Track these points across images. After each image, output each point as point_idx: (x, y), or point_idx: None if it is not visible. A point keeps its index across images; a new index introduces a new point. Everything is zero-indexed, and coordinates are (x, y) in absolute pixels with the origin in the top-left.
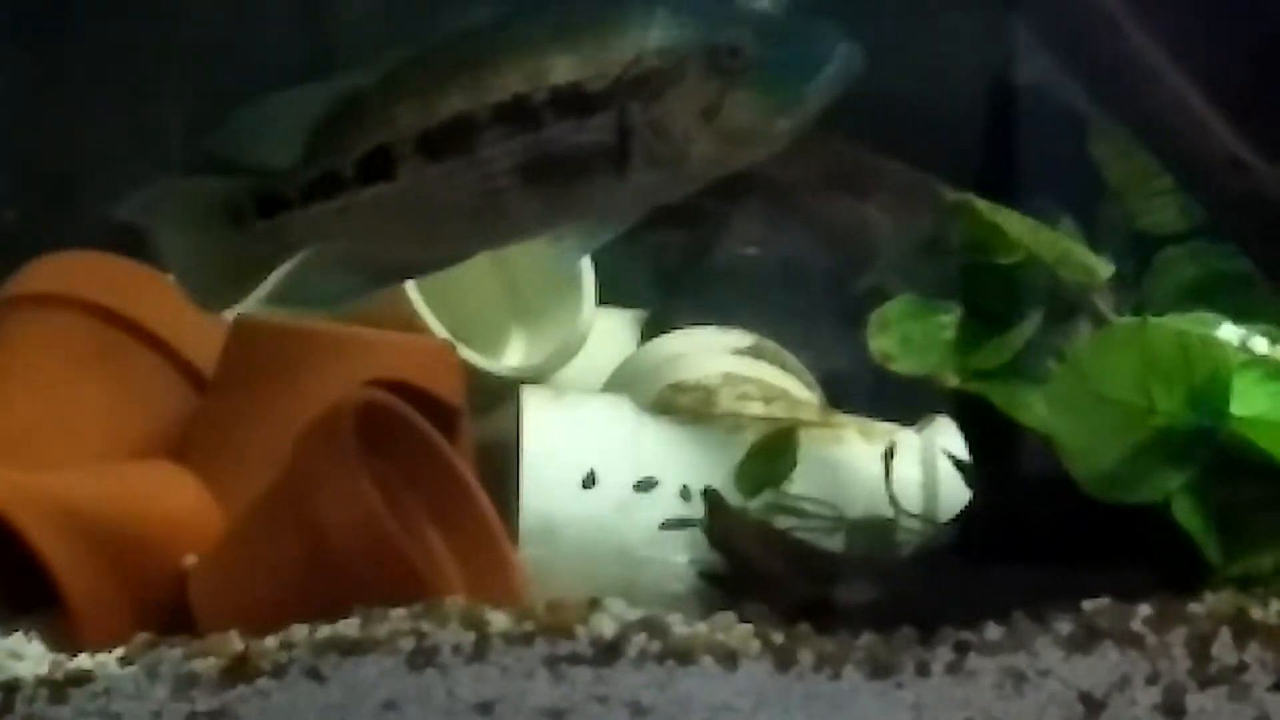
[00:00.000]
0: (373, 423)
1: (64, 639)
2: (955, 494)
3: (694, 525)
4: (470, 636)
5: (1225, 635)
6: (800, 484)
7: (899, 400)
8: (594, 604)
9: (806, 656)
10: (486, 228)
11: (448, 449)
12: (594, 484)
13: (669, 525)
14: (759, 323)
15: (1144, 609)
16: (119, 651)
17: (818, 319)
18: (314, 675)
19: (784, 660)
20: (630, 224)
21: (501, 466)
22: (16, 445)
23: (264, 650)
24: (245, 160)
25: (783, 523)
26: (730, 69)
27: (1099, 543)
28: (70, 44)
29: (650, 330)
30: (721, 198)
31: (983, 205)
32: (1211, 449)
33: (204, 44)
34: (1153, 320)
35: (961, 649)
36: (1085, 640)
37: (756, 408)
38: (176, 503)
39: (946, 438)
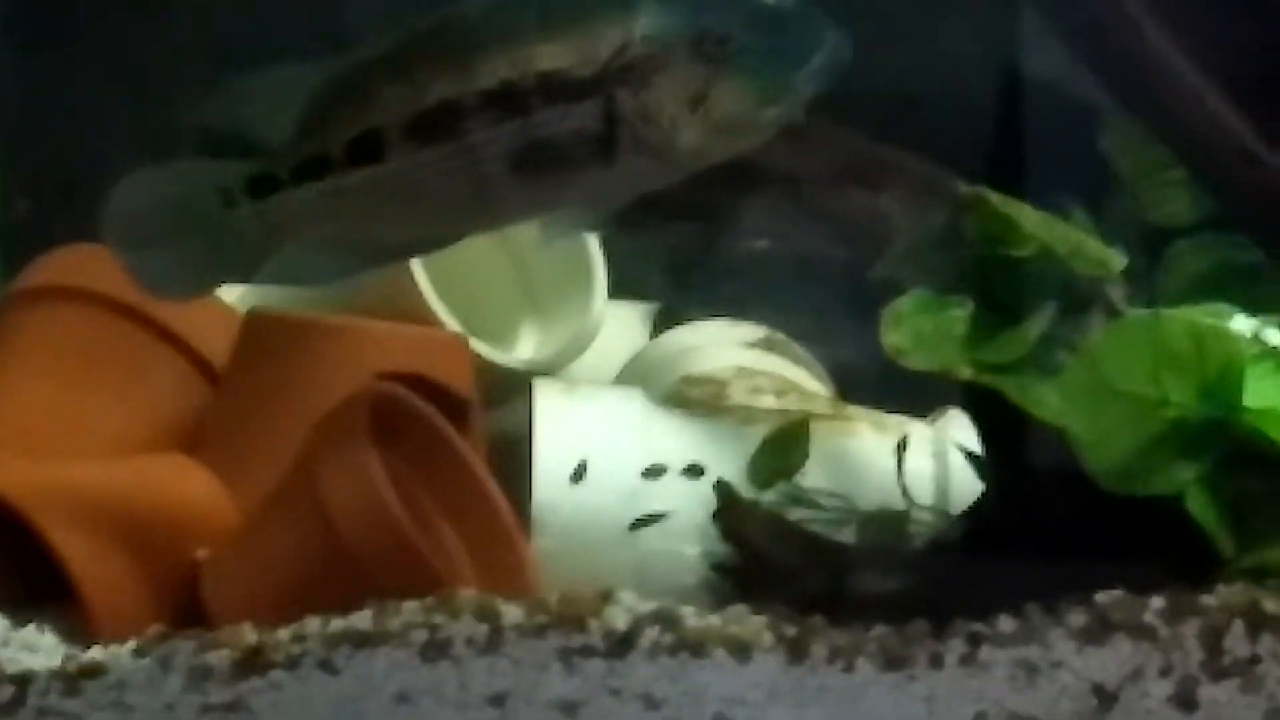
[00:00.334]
0: (385, 415)
1: (77, 631)
2: (967, 487)
3: (661, 519)
4: (483, 629)
5: (1238, 627)
6: (812, 476)
7: (910, 393)
8: (606, 596)
9: (819, 649)
10: (475, 212)
11: (460, 441)
12: (583, 477)
13: (638, 525)
14: (770, 316)
15: (1157, 601)
16: (132, 644)
17: (829, 312)
18: (327, 667)
19: (797, 652)
20: (616, 210)
21: (513, 459)
22: (29, 438)
23: (277, 642)
24: (236, 133)
25: (795, 515)
26: (718, 57)
27: (1112, 535)
28: (84, 36)
29: (662, 323)
30: (733, 191)
31: (996, 198)
32: (1224, 441)
33: (219, 36)
34: (1165, 312)
35: (974, 641)
36: (1098, 632)
37: (768, 400)
38: (189, 495)
39: (958, 430)
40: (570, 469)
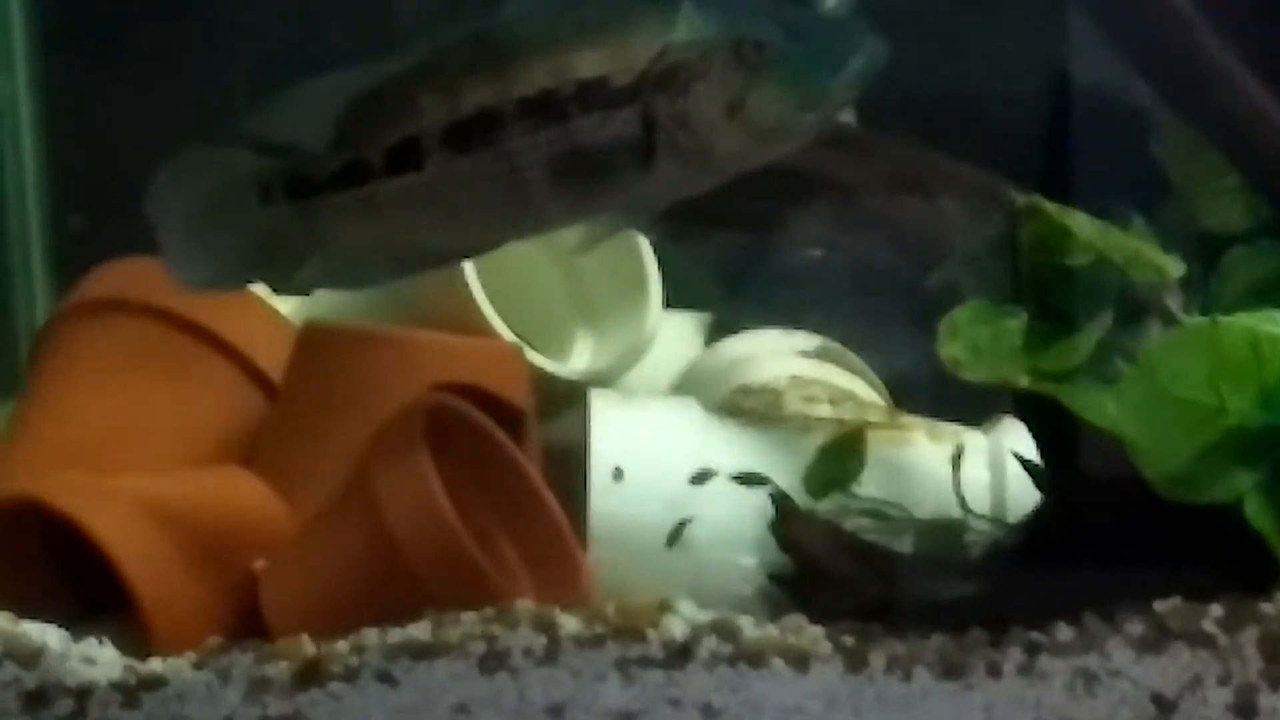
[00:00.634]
0: (441, 427)
1: (136, 643)
2: (1023, 495)
3: (686, 525)
4: (541, 640)
5: None
6: (868, 485)
7: (965, 401)
8: (664, 606)
9: (877, 658)
10: (513, 219)
11: (516, 452)
12: (622, 478)
13: (673, 539)
14: (825, 325)
15: (1215, 609)
16: (191, 656)
17: (883, 321)
18: (385, 679)
19: (855, 662)
20: (664, 217)
21: (569, 470)
22: (88, 452)
23: (335, 654)
24: (279, 142)
25: (851, 524)
26: (755, 64)
27: (1169, 543)
28: (137, 52)
29: (716, 333)
30: (788, 199)
31: (1052, 208)
32: None
33: (273, 50)
34: (1223, 320)
35: (1032, 650)
36: (1156, 641)
37: (824, 410)
38: (246, 507)
39: (1014, 439)
40: (626, 479)
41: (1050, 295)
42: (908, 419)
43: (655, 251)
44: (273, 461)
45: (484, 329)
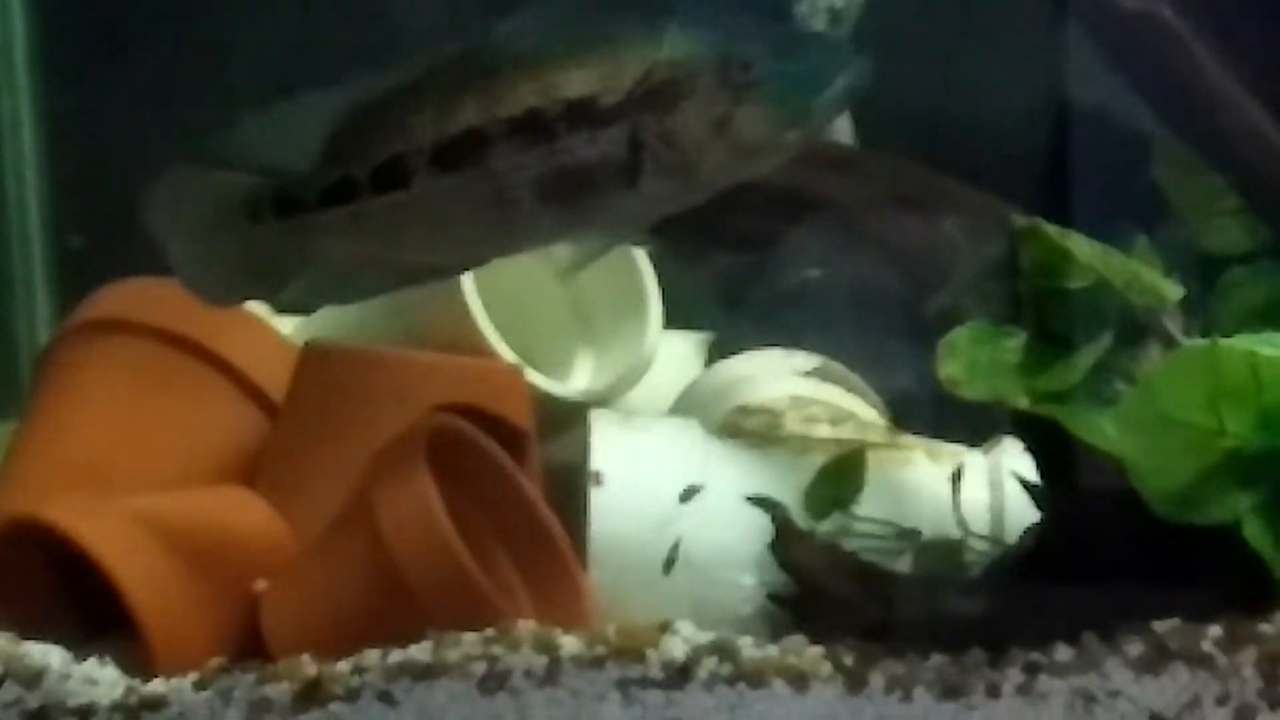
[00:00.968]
0: (443, 447)
1: (138, 664)
2: (1022, 516)
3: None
4: (542, 660)
5: None
6: (868, 506)
7: (964, 422)
8: (664, 627)
9: (877, 679)
10: (500, 237)
11: (517, 473)
12: (600, 482)
13: (669, 565)
14: (825, 345)
15: (1214, 629)
16: (193, 676)
17: (883, 341)
18: (386, 699)
19: (855, 682)
20: (653, 236)
21: (570, 490)
22: (90, 472)
23: (336, 675)
24: (249, 166)
25: (851, 545)
26: (741, 82)
27: (1168, 563)
28: (137, 72)
29: (716, 353)
30: (788, 220)
31: (1052, 230)
32: None
33: (274, 71)
34: (1222, 342)
35: (1032, 670)
36: (1155, 661)
37: (824, 430)
38: (248, 527)
39: (1013, 459)
40: (626, 499)
41: (1050, 317)
42: (907, 439)
43: (655, 272)
44: (274, 481)
45: (485, 350)
